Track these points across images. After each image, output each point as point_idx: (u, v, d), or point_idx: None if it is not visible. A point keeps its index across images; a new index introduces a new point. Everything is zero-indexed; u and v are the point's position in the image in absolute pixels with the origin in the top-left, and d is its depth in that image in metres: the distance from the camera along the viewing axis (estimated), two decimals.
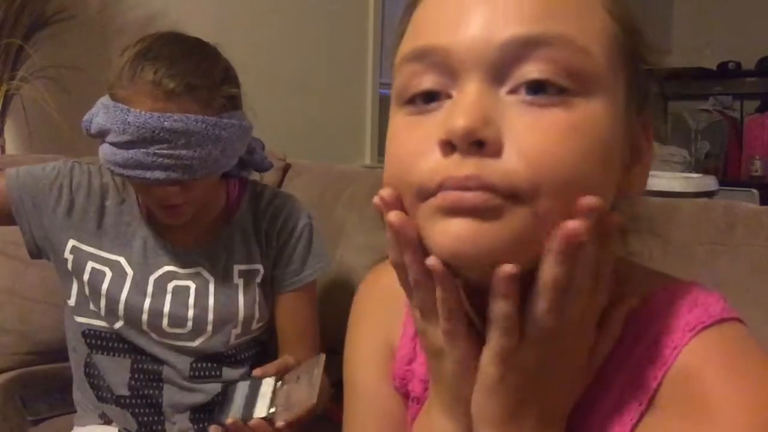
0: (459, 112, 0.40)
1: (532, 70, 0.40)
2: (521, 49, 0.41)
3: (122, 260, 1.05)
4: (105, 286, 1.03)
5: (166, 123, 0.88)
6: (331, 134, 2.89)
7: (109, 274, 1.04)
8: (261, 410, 0.86)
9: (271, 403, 0.87)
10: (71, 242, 1.04)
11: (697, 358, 0.45)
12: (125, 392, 1.06)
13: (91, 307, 1.05)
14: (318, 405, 0.86)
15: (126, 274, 1.04)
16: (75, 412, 1.12)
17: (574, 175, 0.40)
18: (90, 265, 1.04)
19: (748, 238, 1.02)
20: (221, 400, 0.95)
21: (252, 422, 0.85)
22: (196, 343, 1.04)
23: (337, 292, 1.45)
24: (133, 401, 1.06)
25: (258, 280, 1.08)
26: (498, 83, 0.41)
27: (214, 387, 1.06)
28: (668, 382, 0.45)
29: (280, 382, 0.91)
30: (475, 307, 0.46)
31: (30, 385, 1.21)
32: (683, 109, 4.63)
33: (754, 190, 3.14)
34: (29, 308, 1.11)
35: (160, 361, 1.05)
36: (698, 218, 1.08)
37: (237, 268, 1.08)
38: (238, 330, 1.06)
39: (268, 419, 0.85)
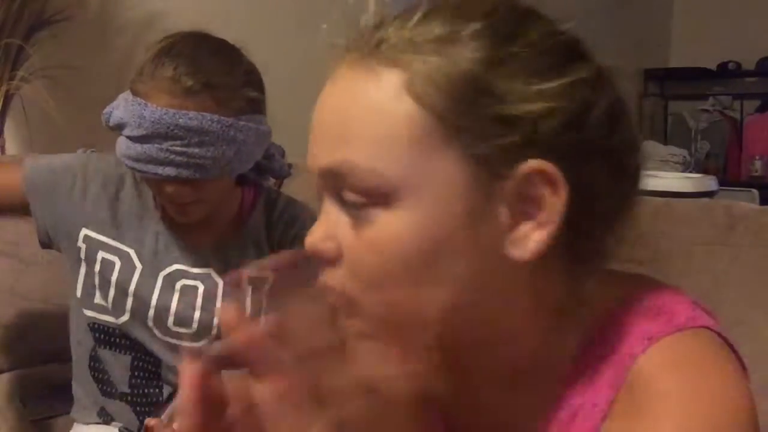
0: (313, 229, 0.46)
1: (343, 193, 0.45)
2: (328, 177, 0.45)
3: (132, 252, 1.04)
4: (115, 276, 1.03)
5: (181, 120, 0.88)
6: None
7: (118, 263, 1.04)
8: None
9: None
10: (84, 231, 1.04)
11: (650, 366, 0.45)
12: (126, 389, 1.06)
13: (97, 300, 1.05)
14: None
15: (135, 267, 1.04)
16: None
17: (372, 282, 0.44)
18: (101, 254, 1.04)
19: (748, 238, 1.02)
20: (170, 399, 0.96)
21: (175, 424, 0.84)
22: (200, 344, 1.05)
23: None
24: (135, 399, 1.06)
25: (267, 286, 1.08)
26: (339, 202, 0.45)
27: None
28: (624, 390, 0.45)
29: None
30: None
31: (30, 385, 1.21)
32: (683, 109, 4.64)
33: (754, 190, 3.15)
34: (29, 308, 1.11)
35: (159, 361, 1.05)
36: (698, 218, 1.08)
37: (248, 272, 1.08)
38: None
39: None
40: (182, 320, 1.04)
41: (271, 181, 1.18)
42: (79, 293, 1.06)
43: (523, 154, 0.43)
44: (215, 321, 1.04)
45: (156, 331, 1.04)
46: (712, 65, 4.46)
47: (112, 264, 1.04)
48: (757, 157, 4.25)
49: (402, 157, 0.43)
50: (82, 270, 1.05)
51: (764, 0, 4.20)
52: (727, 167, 4.44)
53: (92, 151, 1.09)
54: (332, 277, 0.45)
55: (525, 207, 0.44)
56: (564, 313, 0.48)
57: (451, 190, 0.43)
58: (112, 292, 1.03)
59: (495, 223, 0.44)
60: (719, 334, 0.47)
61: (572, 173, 0.43)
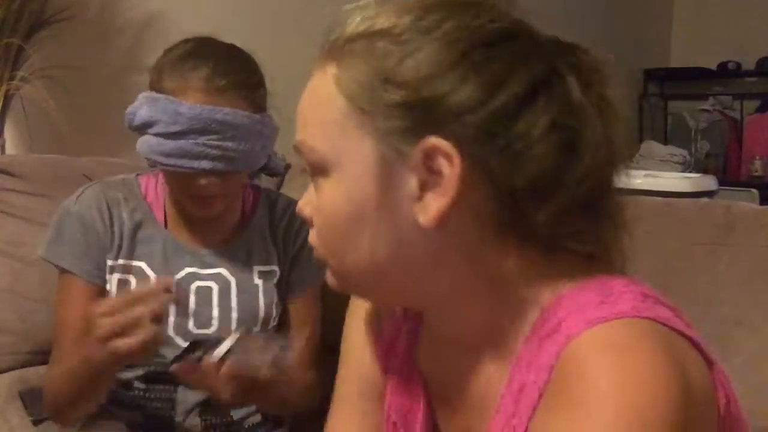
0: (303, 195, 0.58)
1: (306, 166, 0.56)
2: (298, 150, 0.56)
3: (143, 265, 1.06)
4: None
5: (218, 115, 0.93)
6: None
7: (133, 281, 1.05)
8: (215, 354, 0.85)
9: (227, 352, 0.85)
10: (108, 262, 1.06)
11: (583, 348, 0.47)
12: (141, 400, 1.06)
13: None
14: (270, 381, 0.87)
15: (148, 276, 1.06)
16: None
17: (323, 240, 0.56)
18: (115, 276, 1.06)
19: (748, 238, 1.02)
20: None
21: (203, 364, 0.85)
22: (222, 344, 1.04)
23: (336, 292, 1.45)
24: (148, 406, 1.06)
25: (275, 281, 1.11)
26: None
27: None
28: (557, 371, 0.48)
29: (244, 337, 0.90)
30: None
31: (31, 385, 1.21)
32: (683, 109, 4.64)
33: (754, 190, 3.15)
34: (29, 308, 1.11)
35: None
36: (698, 218, 1.08)
37: (257, 269, 1.10)
38: (258, 328, 1.09)
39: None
40: (202, 322, 1.06)
41: (264, 180, 1.22)
42: None
43: (421, 133, 0.49)
44: (234, 316, 1.06)
45: (178, 340, 1.04)
46: (712, 65, 4.47)
47: (127, 283, 1.06)
48: (756, 157, 4.25)
49: (330, 137, 0.53)
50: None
51: (764, 0, 4.20)
52: (727, 167, 4.45)
53: (65, 210, 1.07)
54: (310, 235, 0.58)
55: (428, 178, 0.50)
56: (511, 288, 0.53)
57: (364, 165, 0.52)
58: None
59: (405, 193, 0.51)
60: (674, 329, 0.49)
61: (470, 150, 0.49)
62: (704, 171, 3.70)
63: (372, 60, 0.51)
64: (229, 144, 0.95)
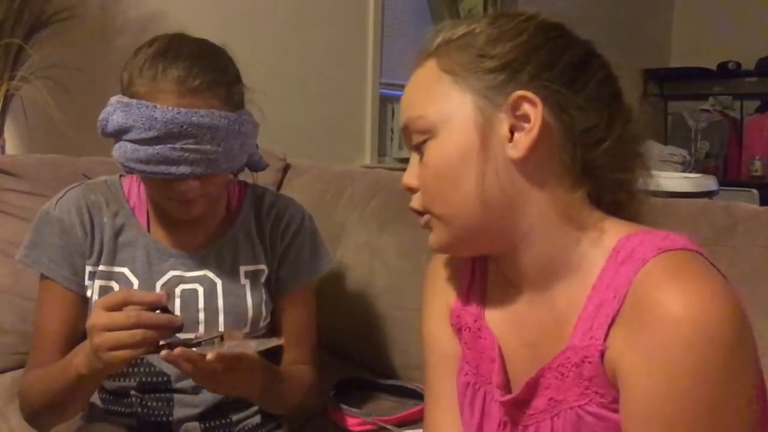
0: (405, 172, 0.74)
1: (411, 139, 0.72)
2: (404, 131, 0.73)
3: (126, 270, 1.04)
4: None
5: (193, 118, 0.90)
6: (331, 134, 2.89)
7: (115, 287, 1.03)
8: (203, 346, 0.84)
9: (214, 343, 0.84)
10: (87, 269, 1.04)
11: (653, 268, 0.61)
12: (137, 409, 1.04)
13: None
14: (256, 360, 0.86)
15: (131, 283, 1.03)
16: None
17: (431, 192, 0.70)
18: (97, 283, 1.03)
19: (748, 238, 1.02)
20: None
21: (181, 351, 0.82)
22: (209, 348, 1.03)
23: (337, 292, 1.45)
24: (144, 416, 1.04)
25: (263, 280, 1.09)
26: (414, 148, 0.72)
27: None
28: (634, 286, 0.61)
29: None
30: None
31: None
32: (683, 109, 4.64)
33: (754, 190, 3.15)
34: (29, 308, 1.11)
35: (169, 377, 1.03)
36: (698, 218, 1.08)
37: (243, 269, 1.08)
38: (248, 329, 1.06)
39: (195, 344, 0.83)
40: (188, 326, 1.01)
41: (248, 176, 1.17)
42: None
43: (510, 88, 0.66)
44: (221, 319, 1.04)
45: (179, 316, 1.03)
46: (712, 65, 4.46)
47: (111, 289, 1.03)
48: (757, 157, 4.25)
49: (437, 104, 0.69)
50: (90, 307, 1.03)
51: (764, 0, 4.19)
52: (727, 167, 4.45)
53: (46, 212, 1.04)
54: (415, 201, 0.73)
55: (517, 122, 0.66)
56: (587, 230, 0.68)
57: (467, 119, 0.67)
58: None
59: (498, 135, 0.67)
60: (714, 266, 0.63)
61: (548, 97, 0.66)
62: (704, 171, 3.69)
63: (466, 47, 0.68)
64: (207, 147, 0.92)
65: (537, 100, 0.65)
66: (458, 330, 0.80)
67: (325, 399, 1.24)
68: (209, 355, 0.80)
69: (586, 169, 0.68)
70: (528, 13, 0.71)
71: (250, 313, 1.06)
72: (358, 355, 1.45)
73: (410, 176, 0.73)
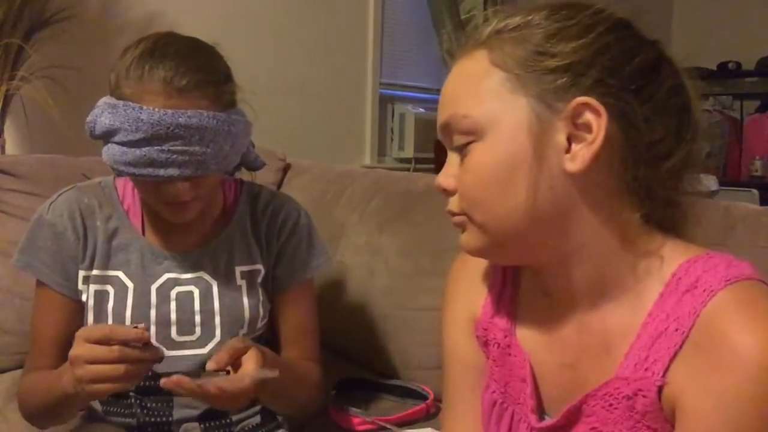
0: (440, 173, 0.67)
1: (453, 139, 0.65)
2: (445, 129, 0.66)
3: (121, 274, 1.03)
4: (110, 305, 1.01)
5: (180, 119, 0.88)
6: (331, 134, 2.89)
7: (111, 291, 1.02)
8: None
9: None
10: (80, 273, 1.03)
11: (724, 303, 0.57)
12: (136, 410, 1.04)
13: None
14: (250, 390, 0.84)
15: (126, 287, 1.02)
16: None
17: (473, 198, 0.64)
18: (92, 288, 1.02)
19: (748, 238, 1.01)
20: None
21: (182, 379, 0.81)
22: (206, 350, 1.02)
23: (337, 292, 1.45)
24: (144, 418, 1.04)
25: (259, 279, 1.08)
26: (454, 148, 0.66)
27: None
28: (702, 319, 0.57)
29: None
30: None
31: None
32: None
33: (754, 190, 3.14)
34: (29, 308, 1.11)
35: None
36: (698, 218, 1.08)
37: (239, 269, 1.07)
38: (245, 330, 1.05)
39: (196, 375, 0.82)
40: (185, 328, 1.02)
41: (246, 175, 1.17)
42: None
43: (571, 92, 0.60)
44: (217, 320, 1.03)
45: (162, 349, 0.99)
46: (712, 65, 4.46)
47: (106, 293, 1.02)
48: (757, 157, 4.25)
49: (484, 103, 0.62)
50: (87, 313, 1.03)
51: (764, 0, 4.19)
52: (727, 167, 4.44)
53: (40, 215, 1.05)
54: (453, 203, 0.66)
55: (577, 131, 0.60)
56: (644, 257, 0.62)
57: (519, 123, 0.61)
58: (109, 323, 1.01)
59: (555, 145, 0.60)
60: None
61: (613, 106, 0.59)
62: (704, 171, 3.69)
63: (522, 41, 0.61)
64: (196, 148, 0.90)
65: (601, 109, 0.59)
66: (484, 343, 0.75)
67: (325, 399, 1.24)
68: (211, 388, 0.81)
69: (646, 186, 0.62)
70: (592, 5, 0.63)
71: (247, 314, 1.05)
72: (358, 355, 1.44)
73: (447, 177, 0.66)
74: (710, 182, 2.34)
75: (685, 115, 0.63)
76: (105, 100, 0.92)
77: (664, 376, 0.58)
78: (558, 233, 0.62)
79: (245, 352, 0.86)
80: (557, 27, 0.61)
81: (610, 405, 0.62)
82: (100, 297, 1.02)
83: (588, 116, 0.59)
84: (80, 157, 1.50)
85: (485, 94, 0.62)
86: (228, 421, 1.07)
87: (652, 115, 0.61)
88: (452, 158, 0.66)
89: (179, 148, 0.89)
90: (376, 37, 3.09)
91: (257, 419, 1.10)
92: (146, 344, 0.84)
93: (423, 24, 3.41)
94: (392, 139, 3.35)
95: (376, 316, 1.38)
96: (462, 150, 0.64)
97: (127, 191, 1.08)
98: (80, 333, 0.84)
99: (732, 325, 0.55)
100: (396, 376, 1.36)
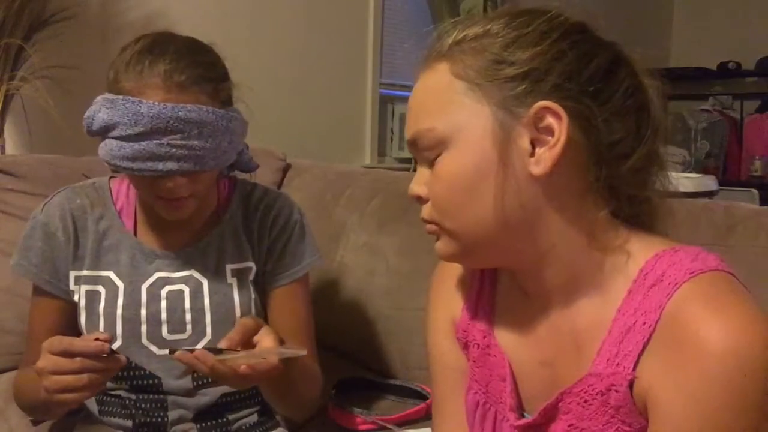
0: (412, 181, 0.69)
1: (421, 153, 0.67)
2: (412, 144, 0.67)
3: (111, 274, 1.03)
4: (102, 305, 1.02)
5: (180, 113, 0.89)
6: (331, 134, 2.89)
7: (102, 291, 1.02)
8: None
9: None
10: (72, 274, 1.04)
11: (687, 294, 0.58)
12: (131, 411, 1.04)
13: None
14: (277, 368, 0.83)
15: (117, 287, 1.02)
16: (75, 412, 1.10)
17: (443, 207, 0.65)
18: (83, 288, 1.03)
19: (748, 238, 1.02)
20: None
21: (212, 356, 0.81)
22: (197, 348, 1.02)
23: (336, 292, 1.45)
24: (138, 420, 1.04)
25: (251, 277, 1.07)
26: (423, 160, 0.67)
27: (218, 389, 1.05)
28: (667, 312, 0.58)
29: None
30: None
31: None
32: (683, 109, 4.63)
33: (754, 190, 3.14)
34: (29, 308, 1.11)
35: (160, 380, 1.03)
36: (698, 218, 1.08)
37: (229, 267, 1.06)
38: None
39: (218, 350, 0.81)
40: (176, 327, 1.02)
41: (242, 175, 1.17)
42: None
43: (532, 98, 0.61)
44: (207, 319, 1.03)
45: (152, 348, 1.02)
46: (712, 65, 4.46)
47: (97, 293, 1.02)
48: (757, 157, 4.25)
49: (449, 115, 0.63)
50: (80, 314, 1.04)
51: (764, 0, 4.20)
52: (727, 167, 4.44)
53: (33, 217, 1.05)
54: (425, 211, 0.67)
55: (539, 135, 0.61)
56: (611, 253, 0.64)
57: (483, 130, 0.62)
58: (101, 323, 1.01)
59: (519, 149, 0.62)
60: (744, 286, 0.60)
61: (573, 109, 0.61)
62: (704, 171, 3.69)
63: (481, 51, 0.63)
64: (195, 142, 0.90)
65: (561, 112, 0.60)
66: (464, 345, 0.76)
67: (325, 398, 1.24)
68: (243, 367, 0.80)
69: (610, 185, 0.63)
70: (548, 11, 0.65)
71: (238, 311, 1.04)
72: (358, 355, 1.45)
73: (418, 185, 0.67)
74: (710, 182, 2.35)
75: (644, 114, 0.65)
76: (102, 96, 0.93)
77: (633, 370, 0.59)
78: (527, 236, 0.64)
79: (257, 331, 0.86)
80: (514, 35, 0.63)
81: (585, 401, 0.63)
82: (92, 297, 1.02)
83: (549, 120, 0.61)
84: (80, 157, 1.51)
85: (448, 106, 0.63)
86: (224, 420, 1.06)
87: (610, 116, 0.62)
88: (423, 167, 0.68)
89: (178, 142, 0.89)
90: (376, 37, 3.09)
91: (254, 418, 1.10)
92: (108, 354, 0.83)
93: (423, 24, 3.41)
94: (392, 139, 3.35)
95: (376, 316, 1.38)
96: (430, 161, 0.65)
97: (121, 191, 1.08)
98: (45, 345, 0.84)
99: (696, 316, 0.56)
100: (396, 376, 1.36)
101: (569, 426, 0.65)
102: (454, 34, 0.66)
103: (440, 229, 0.66)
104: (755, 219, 1.04)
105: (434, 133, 0.64)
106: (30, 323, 1.07)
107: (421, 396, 1.28)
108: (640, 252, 0.63)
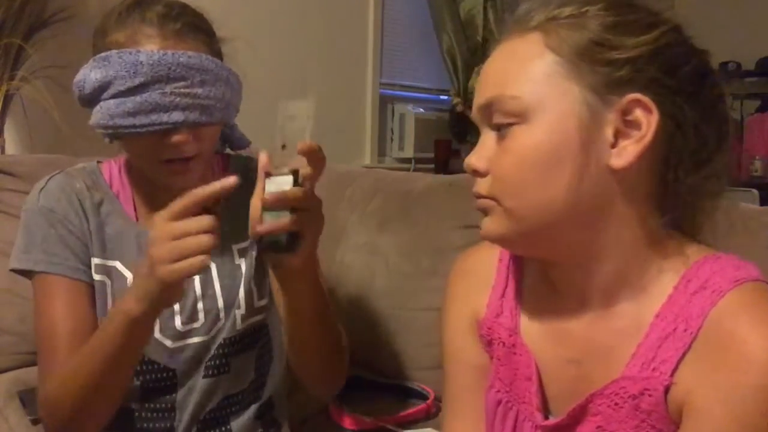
0: (471, 153, 0.65)
1: (493, 118, 0.63)
2: (486, 108, 0.63)
3: (118, 264, 0.97)
4: (110, 298, 0.96)
5: (181, 59, 0.85)
6: (331, 134, 2.90)
7: (108, 282, 0.96)
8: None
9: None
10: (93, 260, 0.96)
11: (733, 303, 0.57)
12: (135, 405, 0.99)
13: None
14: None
15: (125, 278, 0.96)
16: None
17: (509, 183, 0.62)
18: (95, 278, 0.96)
19: (748, 238, 1.01)
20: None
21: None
22: (209, 335, 0.99)
23: (336, 292, 1.45)
24: (142, 413, 1.00)
25: (254, 253, 1.03)
26: (493, 128, 0.64)
27: (226, 388, 1.02)
28: (710, 320, 0.58)
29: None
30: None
31: (30, 385, 1.21)
32: None
33: (754, 190, 3.14)
34: (29, 309, 1.10)
35: (174, 371, 0.98)
36: None
37: (235, 247, 1.02)
38: (243, 311, 1.00)
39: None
40: (189, 316, 0.98)
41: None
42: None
43: (626, 88, 0.59)
44: (220, 304, 0.99)
45: (167, 342, 0.97)
46: (712, 65, 4.46)
47: (103, 285, 0.95)
48: (757, 157, 4.25)
49: (534, 86, 0.60)
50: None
51: (764, 0, 4.20)
52: None
53: (29, 208, 0.97)
54: (481, 186, 0.64)
55: (626, 127, 0.59)
56: (658, 253, 0.62)
57: (569, 111, 0.59)
58: None
59: (602, 138, 0.59)
60: None
61: (665, 107, 0.59)
62: None
63: (580, 29, 0.60)
64: (199, 90, 0.86)
65: (653, 107, 0.58)
66: (488, 342, 0.74)
67: (325, 398, 1.24)
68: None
69: (675, 190, 0.62)
70: (651, 7, 0.63)
71: (242, 291, 1.00)
72: (358, 354, 1.44)
73: (480, 158, 0.63)
74: None
75: (725, 126, 0.64)
76: (95, 57, 0.88)
77: (672, 376, 0.59)
78: (590, 228, 0.62)
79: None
80: (616, 20, 0.60)
81: (616, 404, 0.62)
82: (101, 288, 0.96)
83: (639, 113, 0.59)
84: (80, 157, 1.50)
85: (537, 77, 0.60)
86: (228, 429, 1.03)
87: (699, 120, 0.60)
88: (487, 139, 0.64)
89: (182, 90, 0.85)
90: (376, 37, 3.10)
91: (257, 426, 1.07)
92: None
93: (423, 24, 3.41)
94: (392, 139, 3.35)
95: (376, 316, 1.38)
96: (502, 130, 0.62)
97: (113, 176, 1.02)
98: (162, 215, 0.77)
99: (741, 325, 0.56)
100: (396, 376, 1.36)
101: (597, 428, 0.64)
102: (546, 12, 0.62)
103: (496, 206, 0.63)
104: (755, 218, 1.04)
105: (518, 102, 0.60)
106: (46, 322, 0.93)
107: (421, 396, 1.27)
108: (683, 257, 0.63)
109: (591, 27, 0.60)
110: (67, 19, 1.89)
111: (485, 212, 0.64)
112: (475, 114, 0.66)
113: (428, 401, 1.24)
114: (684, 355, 0.58)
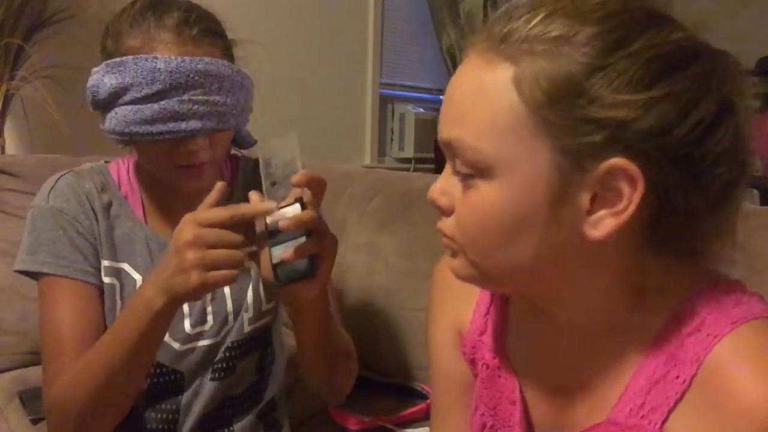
0: (434, 185, 0.58)
1: (455, 164, 0.55)
2: (447, 148, 0.55)
3: (126, 266, 0.95)
4: (119, 301, 0.94)
5: (199, 66, 0.83)
6: (331, 134, 2.90)
7: (117, 285, 0.94)
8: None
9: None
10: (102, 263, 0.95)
11: (729, 349, 0.51)
12: (145, 407, 0.98)
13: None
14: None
15: (134, 280, 0.95)
16: None
17: (470, 239, 0.55)
18: (105, 280, 0.94)
19: (747, 238, 1.01)
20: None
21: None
22: (218, 338, 0.99)
23: (336, 292, 1.45)
24: (146, 414, 0.99)
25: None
26: (455, 169, 0.56)
27: (230, 389, 1.02)
28: (705, 367, 0.52)
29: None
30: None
31: (30, 384, 1.21)
32: None
33: (754, 190, 3.14)
34: (29, 308, 1.11)
35: (182, 374, 0.98)
36: None
37: (245, 249, 1.02)
38: (250, 314, 1.00)
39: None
40: (198, 319, 0.97)
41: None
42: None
43: (607, 152, 0.49)
44: (229, 307, 0.99)
45: (175, 345, 0.96)
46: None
47: (112, 287, 0.94)
48: (757, 157, 4.25)
49: (499, 140, 0.51)
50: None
51: (764, 0, 4.20)
52: None
53: (33, 207, 0.96)
54: (445, 225, 0.57)
55: (604, 196, 0.50)
56: (646, 294, 0.55)
57: (537, 174, 0.50)
58: None
59: (575, 205, 0.51)
60: None
61: (652, 173, 0.49)
62: None
63: (558, 68, 0.48)
64: (216, 98, 0.85)
65: (639, 177, 0.48)
66: (471, 361, 0.70)
67: (334, 401, 1.24)
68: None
69: (669, 234, 0.53)
70: (662, 24, 0.51)
71: (250, 294, 1.00)
72: (357, 354, 1.44)
73: (443, 193, 0.57)
74: None
75: (732, 189, 0.53)
76: (106, 62, 0.87)
77: (661, 427, 0.54)
78: (560, 281, 0.56)
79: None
80: (607, 58, 0.48)
81: None
82: (110, 290, 0.94)
83: (621, 183, 0.49)
84: (80, 157, 1.50)
85: (501, 128, 0.51)
86: (230, 430, 1.03)
87: (691, 189, 0.51)
88: (449, 175, 0.57)
89: (200, 97, 0.84)
90: (376, 37, 3.10)
91: (260, 428, 1.06)
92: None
93: (423, 24, 3.41)
94: (392, 139, 3.35)
95: (376, 315, 1.38)
96: (464, 178, 0.54)
97: (122, 176, 1.01)
98: (189, 218, 0.76)
99: (738, 375, 0.50)
100: (396, 376, 1.36)
101: None
102: (532, 23, 0.50)
103: (462, 253, 0.57)
104: (755, 218, 1.04)
105: (480, 155, 0.52)
106: (55, 325, 0.90)
107: (421, 396, 1.27)
108: (677, 288, 0.56)
109: (572, 67, 0.48)
110: (67, 19, 1.90)
111: (451, 253, 0.59)
112: (440, 145, 0.58)
113: (428, 401, 1.24)
114: (676, 404, 0.53)
